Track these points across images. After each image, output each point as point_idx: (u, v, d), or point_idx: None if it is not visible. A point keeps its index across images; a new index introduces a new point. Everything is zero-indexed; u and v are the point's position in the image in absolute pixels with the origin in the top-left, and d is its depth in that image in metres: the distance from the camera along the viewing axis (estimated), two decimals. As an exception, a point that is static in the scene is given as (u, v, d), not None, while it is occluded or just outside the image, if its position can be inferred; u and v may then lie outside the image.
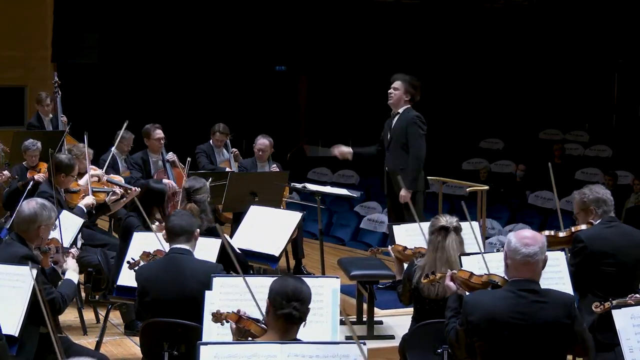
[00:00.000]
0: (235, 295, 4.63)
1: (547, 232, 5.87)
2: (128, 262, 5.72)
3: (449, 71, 17.58)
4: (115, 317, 7.09)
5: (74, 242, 6.93)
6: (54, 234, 5.51)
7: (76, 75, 14.05)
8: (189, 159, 8.96)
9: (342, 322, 6.55)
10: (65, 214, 6.96)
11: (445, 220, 5.32)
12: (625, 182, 13.60)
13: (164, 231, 5.38)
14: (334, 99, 17.43)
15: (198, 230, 5.31)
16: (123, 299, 6.23)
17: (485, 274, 4.59)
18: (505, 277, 4.37)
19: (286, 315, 3.85)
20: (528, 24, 17.63)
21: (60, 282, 5.27)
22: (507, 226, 11.68)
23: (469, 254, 5.15)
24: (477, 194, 8.92)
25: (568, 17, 17.24)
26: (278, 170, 9.04)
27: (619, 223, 5.72)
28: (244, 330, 4.10)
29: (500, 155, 16.42)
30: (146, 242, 5.88)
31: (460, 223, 5.42)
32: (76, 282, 5.28)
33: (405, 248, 5.86)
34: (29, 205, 5.24)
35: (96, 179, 8.24)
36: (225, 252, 5.86)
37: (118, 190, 7.98)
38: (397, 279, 5.79)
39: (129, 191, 7.73)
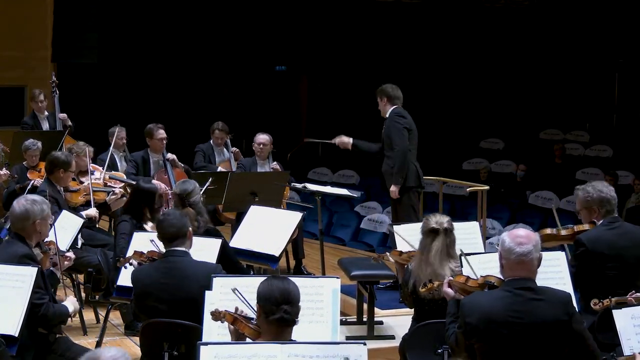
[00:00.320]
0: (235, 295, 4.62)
1: (548, 231, 5.86)
2: (116, 258, 5.68)
3: (449, 71, 17.57)
4: (115, 317, 7.09)
5: (74, 242, 6.94)
6: (50, 237, 5.50)
7: (76, 75, 14.05)
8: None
9: (342, 322, 6.60)
10: (65, 214, 6.97)
11: (435, 221, 5.29)
12: (626, 182, 13.59)
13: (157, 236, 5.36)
14: (335, 99, 17.42)
15: (190, 228, 5.27)
16: (123, 299, 6.22)
17: (481, 276, 4.60)
18: (501, 278, 4.37)
19: (278, 319, 3.85)
20: (528, 23, 17.62)
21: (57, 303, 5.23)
22: (507, 226, 11.67)
23: (469, 254, 5.14)
24: (478, 194, 8.92)
25: (568, 17, 17.22)
26: (278, 168, 9.04)
27: (621, 223, 5.67)
28: (238, 332, 4.10)
29: (501, 155, 16.41)
30: (146, 242, 5.88)
31: (452, 223, 5.38)
32: (70, 312, 5.20)
33: (401, 253, 5.86)
34: (18, 203, 5.23)
35: (98, 180, 8.24)
36: (225, 252, 5.87)
37: (118, 189, 7.98)
38: (399, 281, 5.79)
39: (128, 188, 7.74)
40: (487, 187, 8.98)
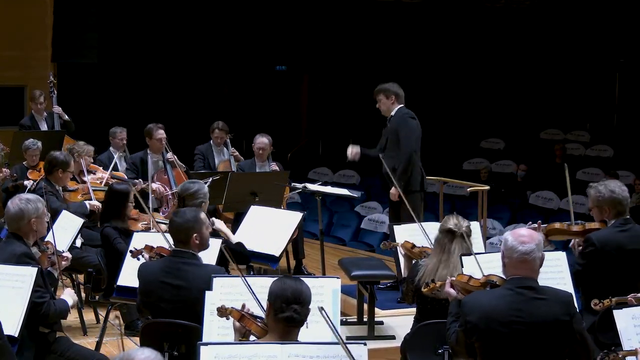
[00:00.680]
0: (236, 295, 4.62)
1: (557, 225, 5.82)
2: (131, 250, 5.69)
3: (449, 71, 17.57)
4: (116, 317, 7.07)
5: (74, 242, 6.94)
6: (48, 237, 5.50)
7: (76, 75, 14.05)
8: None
9: (342, 323, 6.59)
10: (65, 214, 6.97)
11: (454, 223, 5.26)
12: (627, 182, 13.56)
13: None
14: (335, 99, 17.42)
15: (198, 234, 5.20)
16: (123, 299, 6.22)
17: (483, 275, 4.59)
18: (503, 277, 4.36)
19: (287, 318, 3.84)
20: (529, 23, 17.61)
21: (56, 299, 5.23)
22: (508, 226, 11.66)
23: (469, 254, 5.14)
24: (478, 194, 8.91)
25: (569, 17, 17.22)
26: (278, 169, 9.03)
27: (633, 225, 5.57)
28: (245, 329, 4.09)
29: (501, 155, 16.40)
30: (146, 242, 5.88)
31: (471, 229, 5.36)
32: (70, 305, 5.21)
33: (413, 246, 5.85)
34: (12, 203, 5.23)
35: (99, 181, 8.24)
36: (223, 254, 5.86)
37: None
38: (404, 276, 5.77)
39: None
40: (487, 187, 8.97)
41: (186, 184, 6.52)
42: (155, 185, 8.68)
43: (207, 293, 4.71)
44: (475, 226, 6.68)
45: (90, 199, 7.84)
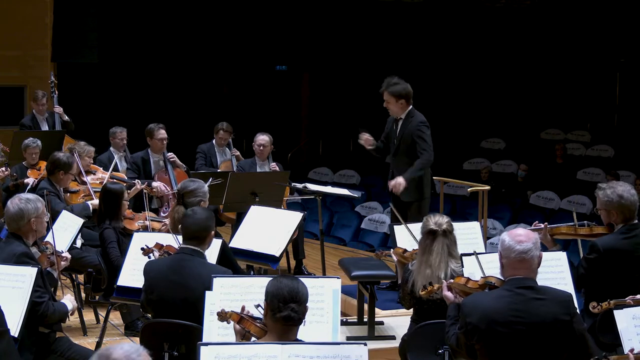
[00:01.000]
0: (236, 295, 4.61)
1: (564, 229, 5.79)
2: (142, 248, 5.68)
3: (449, 71, 17.57)
4: (116, 317, 7.07)
5: (74, 242, 6.94)
6: (47, 238, 5.49)
7: (76, 74, 14.05)
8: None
9: (343, 323, 6.58)
10: (65, 214, 6.96)
11: (434, 222, 5.24)
12: (628, 182, 13.53)
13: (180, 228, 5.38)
14: (335, 99, 17.42)
15: (213, 232, 5.28)
16: (123, 300, 6.21)
17: (481, 277, 4.58)
18: (501, 278, 4.36)
19: (285, 317, 3.84)
20: (529, 23, 17.61)
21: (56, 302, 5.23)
22: (508, 226, 11.66)
23: (469, 254, 5.13)
24: (479, 194, 8.90)
25: (569, 17, 17.22)
26: (278, 169, 9.03)
27: (639, 231, 5.48)
28: (245, 330, 4.09)
29: (502, 155, 16.40)
30: (146, 243, 5.87)
31: (453, 223, 5.36)
32: (69, 310, 5.19)
33: (405, 250, 5.85)
34: (12, 203, 5.23)
35: (99, 181, 8.23)
36: (225, 252, 5.86)
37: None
38: (399, 281, 5.77)
39: (131, 188, 7.74)
40: (488, 187, 8.96)
41: (186, 182, 6.52)
42: (156, 184, 8.69)
43: (207, 293, 4.70)
44: (475, 226, 6.69)
45: (92, 200, 7.84)
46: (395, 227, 6.57)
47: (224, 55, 16.30)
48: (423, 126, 7.71)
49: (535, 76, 17.82)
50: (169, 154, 9.08)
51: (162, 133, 9.04)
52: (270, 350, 3.76)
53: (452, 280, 4.70)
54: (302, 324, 3.91)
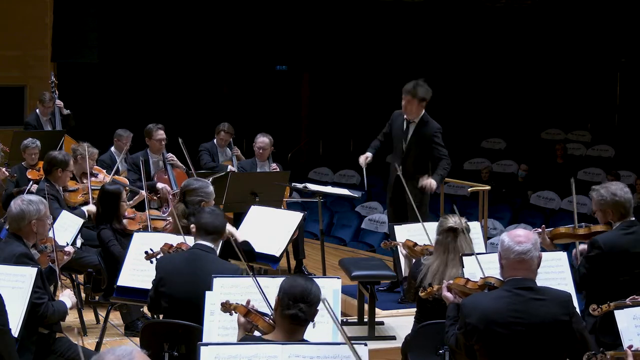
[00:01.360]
0: (236, 295, 4.61)
1: (563, 230, 5.79)
2: (146, 252, 5.67)
3: (450, 71, 17.55)
4: (116, 318, 7.07)
5: (74, 242, 6.93)
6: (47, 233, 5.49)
7: (76, 74, 14.04)
8: (181, 141, 8.91)
9: (343, 323, 6.57)
10: (65, 214, 6.96)
11: (454, 221, 5.25)
12: (628, 182, 13.54)
13: (192, 226, 5.42)
14: (336, 99, 17.41)
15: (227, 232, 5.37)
16: (123, 300, 6.21)
17: (481, 278, 4.58)
18: (501, 279, 4.35)
19: (292, 316, 3.85)
20: (530, 23, 17.60)
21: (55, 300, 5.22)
22: (509, 226, 11.65)
23: (468, 254, 5.12)
24: (479, 194, 8.90)
25: (570, 17, 17.21)
26: (278, 170, 9.02)
27: (638, 227, 5.54)
28: (251, 324, 4.09)
29: (502, 155, 16.40)
30: (146, 242, 5.87)
31: (469, 223, 5.37)
32: (69, 307, 5.19)
33: (415, 244, 5.83)
34: (15, 203, 5.25)
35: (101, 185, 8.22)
36: (226, 249, 5.85)
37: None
38: (404, 275, 5.76)
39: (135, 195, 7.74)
40: (488, 187, 8.96)
41: (189, 180, 6.57)
42: (160, 185, 8.71)
43: (208, 293, 4.70)
44: (476, 226, 6.67)
45: (90, 200, 7.84)
46: (396, 227, 6.56)
47: (224, 55, 16.30)
48: (439, 133, 7.80)
49: (536, 76, 17.81)
50: (169, 155, 9.07)
51: (161, 134, 9.03)
52: (271, 351, 3.76)
53: (451, 281, 4.69)
54: (312, 326, 3.92)
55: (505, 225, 11.90)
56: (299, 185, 8.28)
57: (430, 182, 7.56)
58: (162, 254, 5.56)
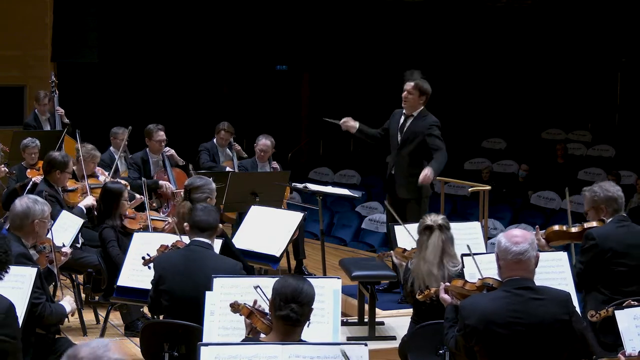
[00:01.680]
0: (236, 295, 4.61)
1: (556, 227, 5.85)
2: (143, 257, 5.67)
3: (450, 70, 17.54)
4: (115, 318, 7.06)
5: (74, 242, 6.93)
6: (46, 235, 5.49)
7: (76, 74, 14.03)
8: (190, 165, 8.96)
9: (343, 323, 6.56)
10: (65, 214, 6.95)
11: (430, 219, 5.34)
12: (629, 182, 13.55)
13: (185, 225, 5.45)
14: (336, 99, 17.40)
15: (221, 225, 5.40)
16: (123, 300, 6.20)
17: (479, 279, 4.57)
18: (499, 279, 4.35)
19: (283, 317, 3.83)
20: (530, 23, 17.60)
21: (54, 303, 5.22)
22: (509, 226, 11.64)
23: (467, 255, 5.11)
24: (480, 194, 8.89)
25: (570, 16, 17.20)
26: (278, 169, 9.01)
27: (630, 223, 5.68)
28: (252, 325, 4.10)
29: (503, 155, 16.39)
30: (146, 242, 5.87)
31: (448, 222, 5.41)
32: (67, 312, 5.19)
33: (404, 250, 5.84)
34: (21, 201, 5.25)
35: (96, 182, 8.22)
36: (225, 252, 5.85)
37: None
38: (401, 281, 5.77)
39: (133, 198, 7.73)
40: (489, 187, 8.95)
41: (194, 178, 6.60)
42: (162, 182, 8.72)
43: (208, 293, 4.71)
44: (476, 226, 6.68)
45: (85, 200, 7.84)
46: (396, 227, 6.55)
47: (224, 55, 16.29)
48: (435, 126, 7.67)
49: (536, 76, 17.80)
50: (166, 148, 9.07)
51: (161, 134, 9.02)
52: (271, 351, 3.75)
53: (448, 284, 4.70)
54: (307, 325, 3.90)
55: (505, 225, 11.89)
56: (299, 185, 8.27)
57: (426, 172, 7.27)
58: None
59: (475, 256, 4.97)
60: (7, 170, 8.57)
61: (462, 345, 4.27)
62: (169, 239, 5.70)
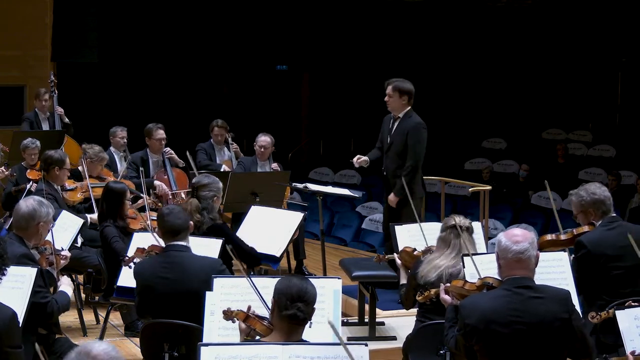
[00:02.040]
0: (236, 295, 4.61)
1: (548, 237, 5.83)
2: (122, 258, 5.74)
3: (451, 70, 17.54)
4: (115, 318, 7.06)
5: (74, 242, 6.92)
6: (47, 237, 5.48)
7: (76, 74, 14.03)
8: (189, 154, 8.93)
9: (343, 323, 6.56)
10: (64, 214, 6.95)
11: (458, 220, 5.33)
12: (629, 182, 13.54)
13: (155, 229, 5.44)
14: (336, 99, 17.40)
15: (192, 223, 5.37)
16: (123, 300, 6.20)
17: (479, 279, 4.57)
18: (499, 279, 4.34)
19: (290, 316, 3.83)
20: (530, 23, 17.59)
21: (55, 293, 5.23)
22: (510, 226, 11.63)
23: (466, 255, 5.10)
24: (480, 194, 8.88)
25: (571, 16, 17.20)
26: (279, 169, 9.00)
27: (620, 222, 5.64)
28: (250, 328, 4.09)
29: (503, 155, 16.38)
30: (146, 243, 5.86)
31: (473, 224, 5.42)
32: (70, 295, 5.22)
33: (414, 249, 5.80)
34: (26, 202, 5.25)
35: (96, 181, 8.22)
36: (226, 252, 5.84)
37: None
38: (400, 282, 5.74)
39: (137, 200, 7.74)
40: (489, 187, 8.94)
41: (201, 176, 6.60)
42: (157, 183, 8.70)
43: (208, 294, 4.70)
44: (477, 226, 6.65)
45: (89, 198, 7.84)
46: (396, 227, 6.53)
47: (224, 55, 16.29)
48: (421, 128, 7.76)
49: (537, 76, 17.80)
50: (166, 149, 9.06)
51: (161, 133, 9.02)
52: (271, 351, 3.74)
53: (449, 284, 4.69)
54: (309, 325, 3.91)
55: (506, 225, 11.88)
56: (300, 185, 8.27)
57: (389, 200, 7.78)
58: (137, 259, 5.54)
59: (475, 256, 4.96)
60: (7, 172, 8.56)
61: (462, 345, 4.27)
62: (148, 241, 5.65)
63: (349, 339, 6.42)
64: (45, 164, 7.55)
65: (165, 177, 8.92)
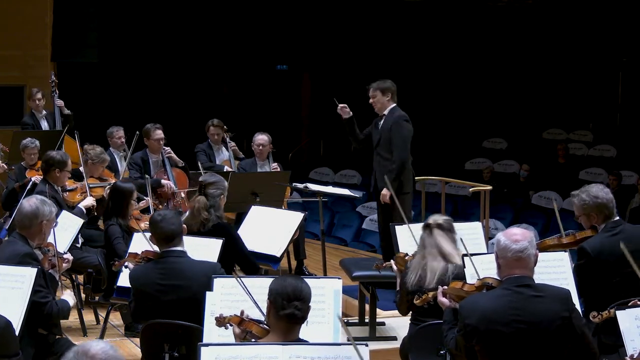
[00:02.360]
0: (237, 296, 4.60)
1: (549, 241, 5.79)
2: (112, 262, 5.73)
3: (451, 70, 17.54)
4: (115, 318, 7.05)
5: (74, 242, 6.92)
6: (49, 239, 5.47)
7: (76, 74, 14.02)
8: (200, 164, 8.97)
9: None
10: (65, 214, 6.94)
11: (433, 218, 5.36)
12: (630, 182, 13.54)
13: (149, 236, 5.34)
14: (337, 98, 17.39)
15: (185, 226, 5.37)
16: (123, 300, 6.19)
17: (478, 279, 4.55)
18: (498, 279, 4.33)
19: (289, 315, 3.83)
20: (531, 23, 17.59)
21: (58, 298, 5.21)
22: (510, 226, 11.63)
23: (472, 254, 5.10)
24: (480, 194, 8.88)
25: (572, 16, 17.19)
26: (279, 170, 8.99)
27: (623, 227, 5.51)
28: (246, 332, 4.07)
29: (504, 155, 16.38)
30: (143, 242, 5.85)
31: (452, 223, 5.39)
32: (71, 305, 5.20)
33: (406, 255, 5.79)
34: (29, 202, 5.25)
35: (96, 181, 8.21)
36: (226, 253, 5.84)
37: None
38: (397, 289, 5.73)
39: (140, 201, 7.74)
40: (490, 187, 8.94)
41: (208, 175, 6.63)
42: (165, 182, 8.71)
43: (208, 294, 4.69)
44: (477, 226, 6.65)
45: (84, 200, 7.84)
46: (397, 227, 6.52)
47: (224, 55, 16.29)
48: (402, 120, 7.87)
49: (537, 76, 17.79)
50: (166, 148, 9.05)
51: (159, 133, 9.00)
52: (271, 351, 3.73)
53: (446, 287, 4.67)
54: (305, 324, 3.90)
55: (506, 225, 11.87)
56: (300, 185, 8.26)
57: (382, 195, 7.74)
58: (129, 263, 5.51)
59: (475, 256, 4.95)
60: (5, 166, 8.56)
61: (463, 346, 4.26)
62: (141, 246, 5.61)
63: (349, 339, 6.41)
64: (46, 165, 7.54)
65: (165, 177, 8.91)
